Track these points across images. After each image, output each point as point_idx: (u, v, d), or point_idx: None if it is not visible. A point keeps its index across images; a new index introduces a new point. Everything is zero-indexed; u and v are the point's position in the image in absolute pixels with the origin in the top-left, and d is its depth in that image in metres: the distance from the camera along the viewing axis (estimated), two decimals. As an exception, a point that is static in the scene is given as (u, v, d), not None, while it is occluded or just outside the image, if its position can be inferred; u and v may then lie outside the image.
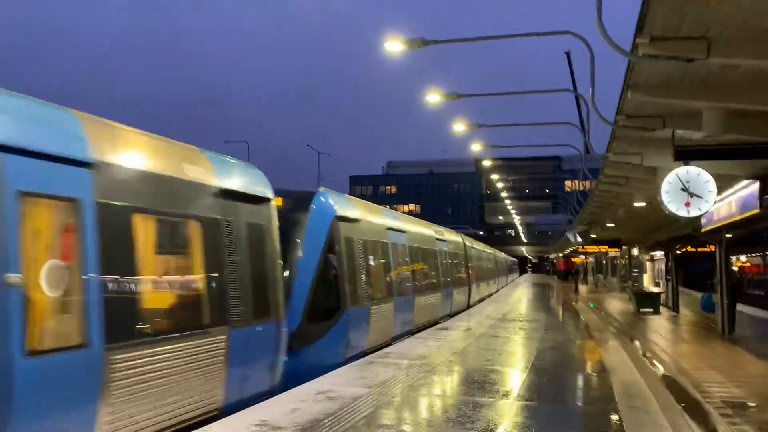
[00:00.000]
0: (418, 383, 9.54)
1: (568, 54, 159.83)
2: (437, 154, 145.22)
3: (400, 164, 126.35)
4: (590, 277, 62.57)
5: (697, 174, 8.96)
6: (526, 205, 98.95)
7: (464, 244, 27.38)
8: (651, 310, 25.54)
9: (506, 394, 8.83)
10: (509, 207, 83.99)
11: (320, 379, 9.71)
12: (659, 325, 20.72)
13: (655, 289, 28.11)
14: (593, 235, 28.34)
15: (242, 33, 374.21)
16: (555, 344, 15.22)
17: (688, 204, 9.07)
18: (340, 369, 10.58)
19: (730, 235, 16.65)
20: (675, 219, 19.05)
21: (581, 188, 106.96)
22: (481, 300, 31.49)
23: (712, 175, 8.80)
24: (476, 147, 21.48)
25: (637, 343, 15.68)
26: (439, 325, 18.43)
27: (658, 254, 30.81)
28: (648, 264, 31.80)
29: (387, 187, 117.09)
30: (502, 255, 57.65)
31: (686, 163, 8.98)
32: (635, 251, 36.18)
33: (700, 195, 8.96)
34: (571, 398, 9.00)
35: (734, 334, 16.67)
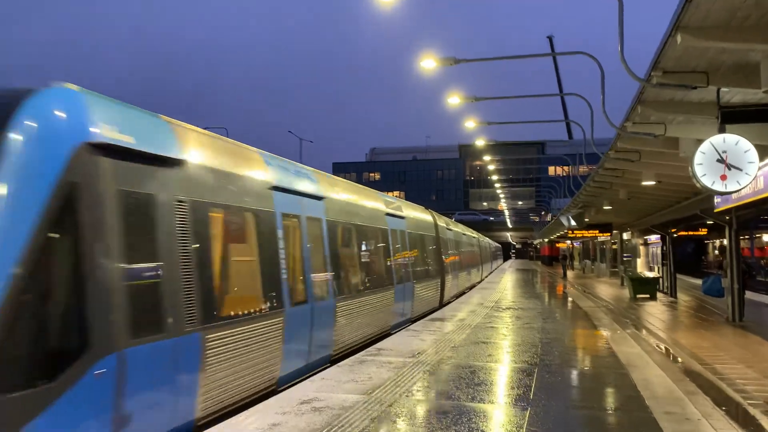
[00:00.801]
0: (416, 387, 8.33)
1: (550, 38, 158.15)
2: (421, 141, 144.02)
3: (383, 151, 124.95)
4: (576, 263, 61.93)
5: (736, 143, 7.78)
6: (510, 190, 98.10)
7: (435, 224, 21.75)
8: (648, 295, 24.68)
9: (521, 400, 7.65)
10: (498, 191, 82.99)
11: (305, 383, 8.47)
12: (661, 311, 19.75)
13: (651, 274, 27.21)
14: (586, 219, 27.31)
15: (226, 18, 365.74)
16: (557, 335, 14.12)
17: (724, 177, 7.90)
18: (329, 370, 9.34)
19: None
20: (684, 198, 18.12)
21: (564, 173, 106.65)
22: (461, 294, 26.67)
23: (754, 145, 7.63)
24: (470, 123, 20.21)
25: (644, 332, 14.62)
26: (431, 316, 17.24)
27: (653, 238, 29.91)
28: (641, 248, 30.91)
29: (371, 174, 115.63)
30: (487, 240, 54.71)
31: (722, 131, 7.80)
32: (626, 235, 35.31)
33: (738, 166, 7.79)
34: (597, 403, 7.85)
35: (744, 320, 15.70)
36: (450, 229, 25.08)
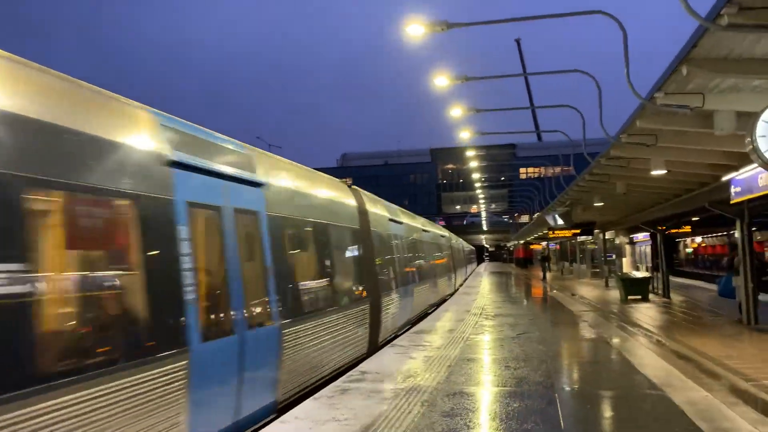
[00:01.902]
0: (415, 426, 6.57)
1: (518, 42, 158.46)
2: (392, 145, 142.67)
3: (354, 156, 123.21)
4: (552, 265, 60.87)
5: (809, 109, 6.24)
6: (483, 193, 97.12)
7: (363, 211, 12.85)
8: (639, 297, 23.33)
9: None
10: (470, 195, 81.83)
11: (275, 424, 6.64)
12: (661, 314, 18.32)
13: (640, 274, 25.89)
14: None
15: (188, 17, 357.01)
16: (563, 347, 12.50)
17: (792, 152, 6.33)
18: (303, 405, 7.51)
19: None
20: (686, 190, 16.71)
21: (536, 175, 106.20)
22: (421, 317, 18.61)
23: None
24: (457, 111, 18.70)
25: (656, 340, 13.09)
26: (415, 328, 15.49)
27: (640, 236, 28.68)
28: (627, 247, 29.70)
29: (342, 180, 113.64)
30: (461, 242, 48.30)
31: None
32: (609, 234, 34.09)
33: (811, 139, 6.24)
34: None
35: (761, 323, 14.29)
36: (397, 222, 16.70)
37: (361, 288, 11.68)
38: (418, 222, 22.44)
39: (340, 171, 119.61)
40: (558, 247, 62.57)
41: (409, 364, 10.21)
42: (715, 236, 46.22)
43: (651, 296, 23.52)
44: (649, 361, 10.31)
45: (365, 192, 14.00)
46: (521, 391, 8.24)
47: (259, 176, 7.46)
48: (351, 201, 12.30)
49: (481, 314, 18.56)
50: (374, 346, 12.10)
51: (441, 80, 14.97)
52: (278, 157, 8.94)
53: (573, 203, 22.63)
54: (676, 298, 22.98)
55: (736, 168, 11.50)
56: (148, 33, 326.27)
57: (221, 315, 6.36)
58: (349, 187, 12.99)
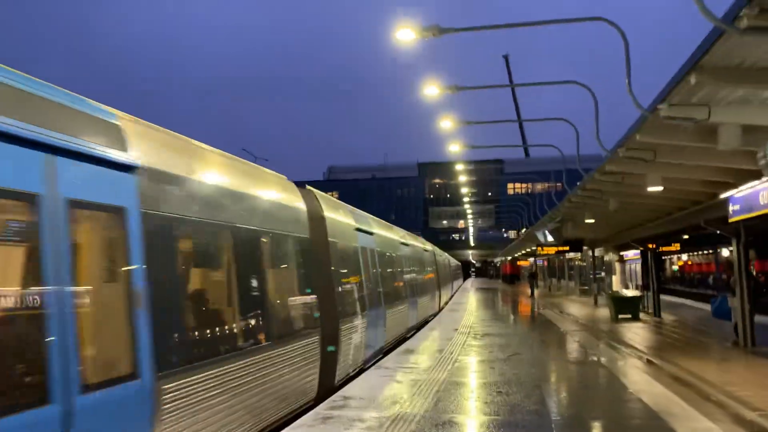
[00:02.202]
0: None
1: (506, 58, 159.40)
2: (379, 159, 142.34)
3: (341, 169, 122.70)
4: (540, 281, 60.51)
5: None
6: (470, 208, 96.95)
7: (317, 217, 10.26)
8: (629, 315, 22.94)
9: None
10: (457, 210, 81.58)
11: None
12: (653, 335, 17.91)
13: (630, 293, 25.52)
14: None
15: (177, 28, 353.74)
16: (556, 369, 12.00)
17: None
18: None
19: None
20: (678, 208, 16.35)
21: (523, 191, 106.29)
22: (396, 344, 15.97)
23: None
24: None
25: (651, 363, 12.63)
26: (401, 348, 14.92)
27: (630, 254, 28.36)
28: (617, 265, 29.37)
29: (329, 193, 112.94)
30: (446, 257, 44.56)
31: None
32: (598, 252, 33.78)
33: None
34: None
35: (758, 346, 13.88)
36: (366, 232, 14.06)
37: (308, 315, 9.04)
38: (396, 234, 19.42)
39: (327, 184, 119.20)
40: (545, 263, 62.34)
41: (395, 389, 9.64)
42: (702, 254, 46.17)
43: (641, 315, 23.15)
44: (646, 386, 9.81)
45: (324, 194, 11.43)
46: (515, 420, 7.70)
47: (131, 155, 4.99)
48: (299, 204, 9.26)
49: (469, 333, 18.02)
50: (329, 387, 9.59)
51: (431, 89, 13.95)
52: (176, 134, 6.33)
53: (564, 219, 22.24)
54: (667, 317, 22.60)
55: (734, 185, 11.12)
56: (134, 36, 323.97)
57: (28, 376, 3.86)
58: (302, 187, 10.34)
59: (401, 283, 18.12)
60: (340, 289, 10.81)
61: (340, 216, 11.98)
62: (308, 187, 10.77)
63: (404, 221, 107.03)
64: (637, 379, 10.55)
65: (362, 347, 11.98)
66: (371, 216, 16.68)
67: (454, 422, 7.63)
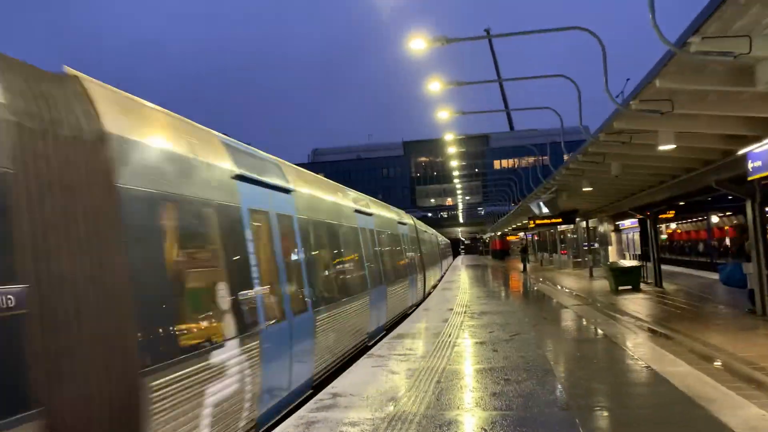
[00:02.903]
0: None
1: (487, 31, 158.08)
2: (363, 139, 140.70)
3: (326, 151, 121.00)
4: (531, 256, 59.72)
5: None
6: (457, 184, 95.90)
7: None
8: (630, 287, 22.03)
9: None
10: (444, 187, 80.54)
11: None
12: (660, 306, 16.93)
13: (628, 263, 24.59)
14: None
15: (150, 7, 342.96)
16: (564, 349, 10.94)
17: None
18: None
19: None
20: (687, 170, 15.29)
21: (510, 165, 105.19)
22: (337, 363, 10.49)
23: None
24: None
25: (667, 337, 11.61)
26: (394, 333, 13.82)
27: (627, 223, 27.41)
28: (612, 235, 28.42)
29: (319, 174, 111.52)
30: (433, 234, 39.41)
31: None
32: (592, 222, 32.85)
33: None
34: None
35: (776, 313, 12.91)
36: (296, 193, 8.93)
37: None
38: (344, 198, 12.84)
39: (312, 166, 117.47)
40: (535, 237, 61.53)
41: (390, 381, 8.51)
42: (696, 222, 45.47)
43: (642, 286, 22.25)
44: (669, 365, 8.76)
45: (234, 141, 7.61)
46: (532, 415, 6.59)
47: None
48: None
49: (465, 312, 16.95)
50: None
51: (418, 42, 12.90)
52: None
53: (559, 189, 21.15)
54: (668, 287, 21.70)
55: (757, 139, 10.02)
56: (111, 17, 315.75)
57: None
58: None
59: (350, 270, 12.46)
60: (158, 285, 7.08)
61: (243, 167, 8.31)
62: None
63: (391, 200, 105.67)
64: (657, 357, 9.50)
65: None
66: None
67: (460, 421, 6.52)
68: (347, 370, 9.44)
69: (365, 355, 10.73)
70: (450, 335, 12.70)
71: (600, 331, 12.60)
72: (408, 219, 24.21)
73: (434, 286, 31.24)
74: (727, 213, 41.12)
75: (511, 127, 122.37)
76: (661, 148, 10.86)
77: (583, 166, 15.63)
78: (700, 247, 46.89)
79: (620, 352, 10.26)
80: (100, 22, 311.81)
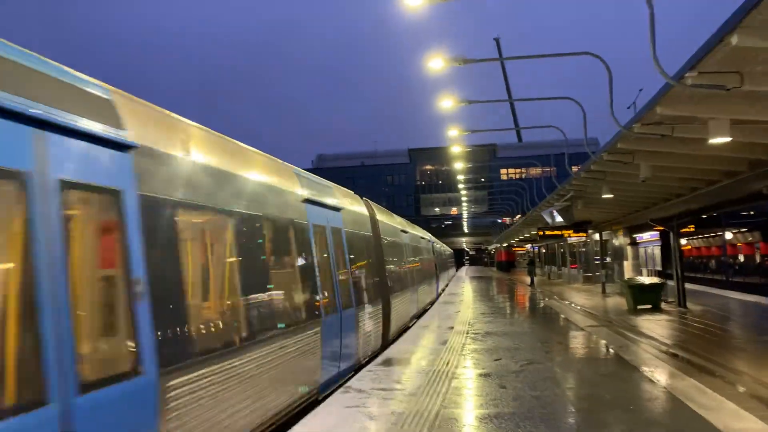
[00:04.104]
0: None
1: (497, 41, 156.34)
2: (368, 146, 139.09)
3: (330, 157, 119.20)
4: (538, 269, 57.43)
5: None
6: (463, 194, 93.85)
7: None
8: (650, 306, 19.91)
9: None
10: (449, 197, 78.61)
11: None
12: (692, 330, 14.81)
13: (648, 280, 22.44)
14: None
15: (159, 7, 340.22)
16: (589, 388, 8.82)
17: None
18: None
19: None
20: (726, 174, 13.31)
21: (517, 176, 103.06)
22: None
23: None
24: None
25: (715, 371, 9.48)
26: (377, 361, 11.74)
27: (645, 236, 25.28)
28: (628, 249, 26.30)
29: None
30: (431, 242, 32.85)
31: None
32: (605, 235, 30.69)
33: None
34: None
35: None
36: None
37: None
38: (307, 187, 9.15)
39: (316, 172, 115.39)
40: (541, 249, 59.35)
41: (367, 429, 6.44)
42: (713, 236, 43.25)
43: (662, 305, 20.14)
44: (736, 420, 6.66)
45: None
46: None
47: None
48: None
49: (468, 333, 14.86)
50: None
51: (436, 62, 13.66)
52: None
53: (575, 196, 19.07)
54: (693, 307, 19.56)
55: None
56: (117, 16, 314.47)
57: None
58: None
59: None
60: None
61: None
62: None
63: (396, 209, 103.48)
64: (713, 404, 7.39)
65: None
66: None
67: None
68: (314, 412, 7.36)
69: (341, 389, 8.66)
70: (448, 363, 10.61)
71: (627, 361, 10.48)
72: (398, 223, 19.00)
73: (439, 294, 29.42)
74: (742, 229, 38.98)
75: (520, 139, 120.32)
76: (713, 141, 8.79)
77: (607, 167, 13.56)
78: (714, 263, 44.73)
79: (661, 394, 8.16)
80: (112, 21, 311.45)
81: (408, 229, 21.17)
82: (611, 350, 11.96)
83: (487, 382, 8.98)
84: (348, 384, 8.94)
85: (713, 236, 42.95)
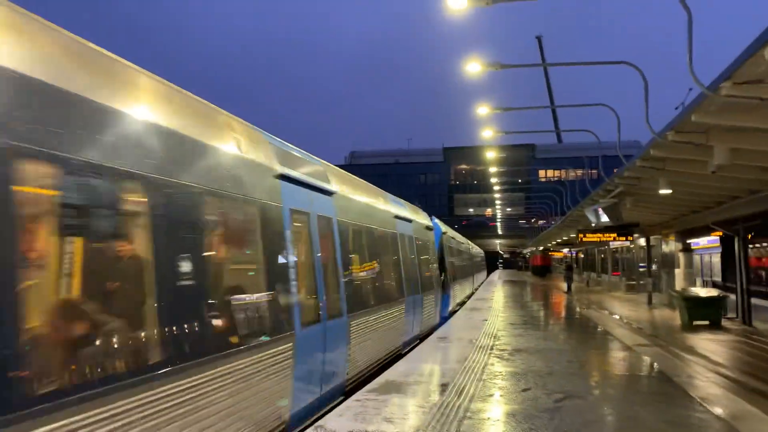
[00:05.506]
0: None
1: (539, 39, 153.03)
2: (402, 144, 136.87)
3: (363, 154, 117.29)
4: (575, 275, 54.30)
5: None
6: (498, 195, 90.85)
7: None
8: (708, 322, 17.23)
9: None
10: (484, 197, 75.88)
11: None
12: (764, 353, 12.19)
13: (704, 292, 19.65)
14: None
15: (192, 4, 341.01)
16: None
17: None
18: None
19: None
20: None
21: (556, 177, 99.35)
22: None
23: None
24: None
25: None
26: (382, 378, 9.49)
27: (702, 242, 22.43)
28: (681, 256, 23.43)
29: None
30: (454, 238, 27.77)
31: None
32: (653, 240, 27.81)
33: None
34: None
35: None
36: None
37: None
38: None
39: (349, 169, 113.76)
40: (579, 254, 56.21)
41: None
42: None
43: (722, 321, 17.43)
44: None
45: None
46: None
47: None
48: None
49: (493, 349, 12.50)
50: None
51: (474, 66, 14.15)
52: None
53: (624, 192, 16.49)
54: (761, 325, 16.81)
55: None
56: (147, 7, 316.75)
57: None
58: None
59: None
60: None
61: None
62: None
63: (429, 208, 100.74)
64: None
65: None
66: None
67: None
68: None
69: (312, 428, 6.44)
70: (463, 392, 8.30)
71: (697, 400, 8.00)
72: (396, 206, 14.12)
73: (468, 297, 28.60)
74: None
75: (560, 140, 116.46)
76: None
77: (670, 151, 11.03)
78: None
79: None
80: (149, 14, 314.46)
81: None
82: (671, 379, 9.45)
83: (510, 428, 6.65)
84: (322, 422, 6.71)
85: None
